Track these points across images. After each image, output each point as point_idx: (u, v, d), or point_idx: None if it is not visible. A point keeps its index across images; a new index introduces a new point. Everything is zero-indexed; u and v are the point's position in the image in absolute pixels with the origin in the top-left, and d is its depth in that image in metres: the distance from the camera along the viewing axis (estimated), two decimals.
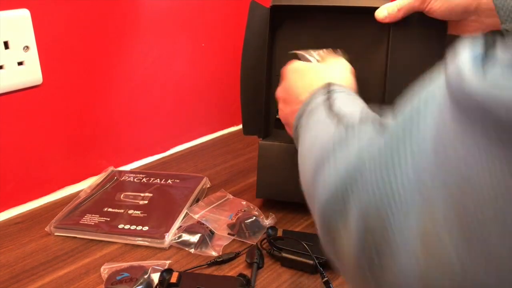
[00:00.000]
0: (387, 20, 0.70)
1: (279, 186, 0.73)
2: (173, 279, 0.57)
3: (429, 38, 0.71)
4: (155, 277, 0.58)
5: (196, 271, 0.61)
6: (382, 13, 0.70)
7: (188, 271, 0.61)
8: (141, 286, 0.55)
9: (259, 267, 0.61)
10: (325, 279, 0.57)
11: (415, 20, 0.71)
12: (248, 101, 0.75)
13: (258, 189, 0.74)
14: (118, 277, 0.56)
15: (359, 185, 0.31)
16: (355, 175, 0.32)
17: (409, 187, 0.28)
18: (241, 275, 0.59)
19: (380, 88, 0.75)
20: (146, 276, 0.57)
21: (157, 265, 0.60)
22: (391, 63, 0.72)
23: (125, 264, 0.61)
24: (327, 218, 0.35)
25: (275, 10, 0.76)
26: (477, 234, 0.24)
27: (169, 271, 0.59)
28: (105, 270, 0.60)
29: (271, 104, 0.79)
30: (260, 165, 0.74)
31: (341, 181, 0.33)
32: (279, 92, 0.63)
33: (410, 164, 0.28)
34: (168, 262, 0.62)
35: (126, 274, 0.57)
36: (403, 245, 0.28)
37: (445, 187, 0.26)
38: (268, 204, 0.76)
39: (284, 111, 0.60)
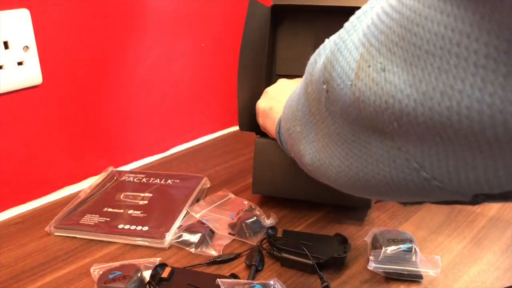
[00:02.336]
0: None
1: (276, 182, 0.73)
2: (165, 274, 0.58)
3: None
4: (147, 275, 0.58)
5: (192, 269, 0.61)
6: None
7: (186, 268, 0.61)
8: (134, 284, 0.55)
9: (257, 270, 0.61)
10: (325, 284, 0.57)
11: None
12: (245, 97, 0.75)
13: (254, 185, 0.74)
14: (111, 276, 0.56)
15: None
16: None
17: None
18: (232, 275, 0.59)
19: None
20: (139, 274, 0.57)
21: (149, 263, 0.61)
22: None
23: (116, 263, 0.61)
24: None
25: (276, 9, 0.76)
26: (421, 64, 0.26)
27: (162, 266, 0.59)
28: (95, 270, 0.60)
29: None
30: (256, 161, 0.74)
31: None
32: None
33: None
34: (158, 259, 0.62)
35: (118, 273, 0.57)
36: (344, 77, 0.33)
37: (392, 20, 0.29)
38: (269, 204, 0.76)
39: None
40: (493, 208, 0.76)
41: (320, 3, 0.75)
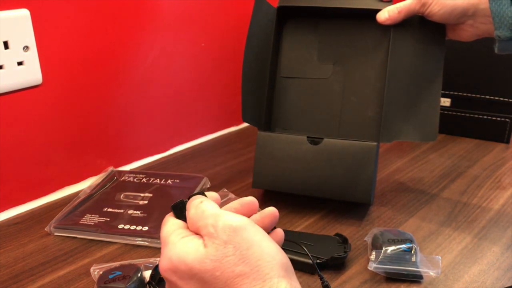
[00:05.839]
0: (388, 22, 0.72)
1: (276, 176, 0.73)
2: None
3: (428, 41, 0.72)
4: (147, 275, 0.58)
5: None
6: (383, 15, 0.72)
7: None
8: (134, 284, 0.55)
9: None
10: (325, 284, 0.57)
11: (415, 23, 0.72)
12: (248, 90, 0.76)
13: (254, 179, 0.74)
14: (111, 276, 0.56)
15: None
16: None
17: None
18: None
19: (381, 89, 0.75)
20: (139, 274, 0.57)
21: (149, 263, 0.61)
22: (391, 65, 0.72)
23: (116, 264, 0.61)
24: None
25: (282, 11, 0.77)
26: None
27: None
28: (95, 271, 0.60)
29: (274, 103, 0.80)
30: (257, 155, 0.74)
31: None
32: None
33: None
34: (158, 259, 0.62)
35: (118, 273, 0.57)
36: None
37: None
38: (269, 204, 0.76)
39: None
40: (493, 208, 0.76)
41: (325, 4, 0.75)
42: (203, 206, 0.43)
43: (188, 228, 0.44)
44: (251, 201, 0.47)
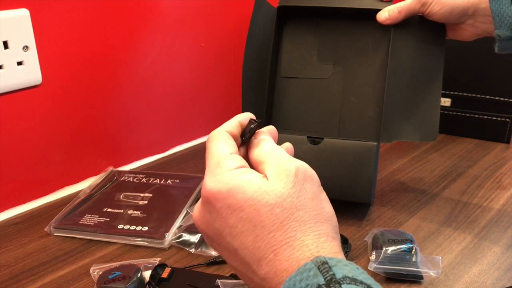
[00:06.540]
0: (388, 22, 0.72)
1: None
2: (164, 274, 0.58)
3: (428, 40, 0.72)
4: (147, 275, 0.58)
5: (192, 269, 0.61)
6: (383, 15, 0.72)
7: (186, 268, 0.61)
8: (134, 284, 0.55)
9: None
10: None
11: (415, 23, 0.72)
12: (248, 90, 0.76)
13: None
14: (110, 276, 0.56)
15: None
16: None
17: None
18: (232, 275, 0.59)
19: (381, 89, 0.75)
20: (139, 274, 0.57)
21: (149, 263, 0.61)
22: (391, 65, 0.72)
23: (116, 264, 0.61)
24: None
25: (282, 12, 0.77)
26: None
27: (162, 266, 0.59)
28: (95, 271, 0.60)
29: (274, 103, 0.80)
30: None
31: None
32: (204, 229, 0.39)
33: None
34: (158, 259, 0.62)
35: (118, 273, 0.57)
36: None
37: None
38: None
39: (229, 263, 0.40)
40: (494, 208, 0.76)
41: (325, 4, 0.75)
42: (282, 149, 0.41)
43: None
44: (274, 129, 0.46)
